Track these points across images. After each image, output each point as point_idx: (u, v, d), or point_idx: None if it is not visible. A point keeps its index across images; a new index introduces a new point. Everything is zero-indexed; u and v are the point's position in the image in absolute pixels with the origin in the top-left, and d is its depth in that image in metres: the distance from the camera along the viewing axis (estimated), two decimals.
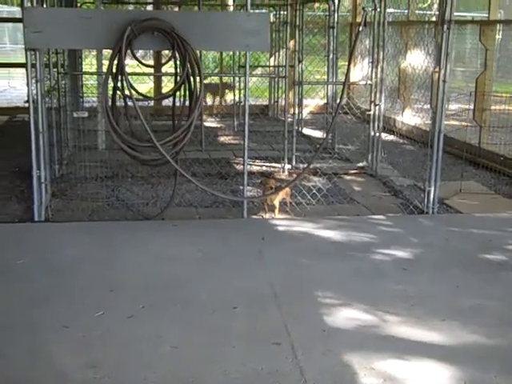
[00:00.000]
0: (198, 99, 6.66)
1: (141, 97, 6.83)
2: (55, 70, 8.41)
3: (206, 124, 14.08)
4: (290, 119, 14.10)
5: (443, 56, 7.01)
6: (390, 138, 12.23)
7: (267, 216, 7.08)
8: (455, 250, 6.05)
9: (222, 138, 12.47)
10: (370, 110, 9.27)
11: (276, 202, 7.04)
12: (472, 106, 10.22)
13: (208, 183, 8.61)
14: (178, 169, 6.72)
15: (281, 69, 13.54)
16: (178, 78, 6.68)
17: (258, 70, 15.63)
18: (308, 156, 10.41)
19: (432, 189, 7.32)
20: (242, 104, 13.60)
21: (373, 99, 9.21)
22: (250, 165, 9.85)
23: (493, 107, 10.47)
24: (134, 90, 6.64)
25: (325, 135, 11.45)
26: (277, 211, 7.07)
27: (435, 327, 4.38)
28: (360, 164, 9.61)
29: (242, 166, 9.81)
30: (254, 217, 7.19)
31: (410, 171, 9.17)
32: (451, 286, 5.16)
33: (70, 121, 9.04)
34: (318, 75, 14.38)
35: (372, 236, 6.38)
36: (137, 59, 6.61)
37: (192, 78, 6.66)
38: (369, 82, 9.35)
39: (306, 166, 9.19)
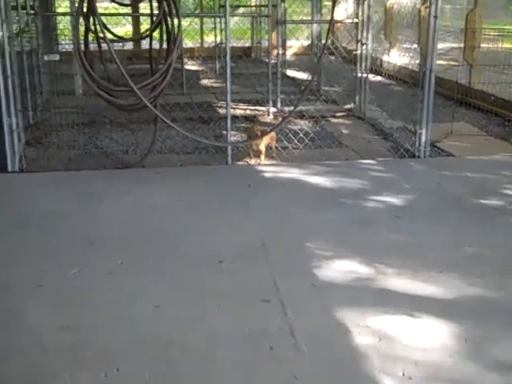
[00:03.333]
0: (175, 40, 6.27)
1: (115, 38, 6.41)
2: (24, 11, 7.91)
3: (187, 67, 13.63)
4: (273, 61, 13.77)
5: None
6: (378, 78, 11.90)
7: (253, 162, 6.77)
8: (448, 195, 5.80)
9: (204, 82, 12.05)
10: (356, 50, 8.88)
11: (262, 148, 6.72)
12: (462, 45, 9.90)
13: (190, 129, 8.26)
14: (158, 114, 6.38)
15: (263, 8, 13.02)
16: (155, 18, 6.28)
17: (240, 10, 15.06)
18: (293, 98, 10.04)
19: (423, 131, 7.03)
20: (223, 46, 13.17)
21: (359, 38, 8.81)
22: (234, 108, 9.49)
23: (483, 45, 10.12)
24: (108, 31, 6.24)
25: (310, 77, 11.17)
26: (263, 156, 6.76)
27: (432, 279, 4.14)
28: (347, 106, 9.28)
29: (224, 110, 9.39)
30: (239, 163, 6.88)
31: (399, 113, 8.84)
32: (447, 233, 4.91)
33: (44, 65, 8.58)
34: (301, 15, 13.89)
35: (362, 182, 6.11)
36: None
37: (169, 18, 6.27)
38: (355, 20, 8.94)
39: (291, 108, 8.95)
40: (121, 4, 6.42)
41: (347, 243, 4.71)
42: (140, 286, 4.05)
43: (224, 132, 8.05)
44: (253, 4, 14.61)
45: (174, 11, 6.21)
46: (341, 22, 11.25)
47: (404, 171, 6.53)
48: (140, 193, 5.76)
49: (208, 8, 16.21)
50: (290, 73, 12.60)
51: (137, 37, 6.45)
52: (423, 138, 7.04)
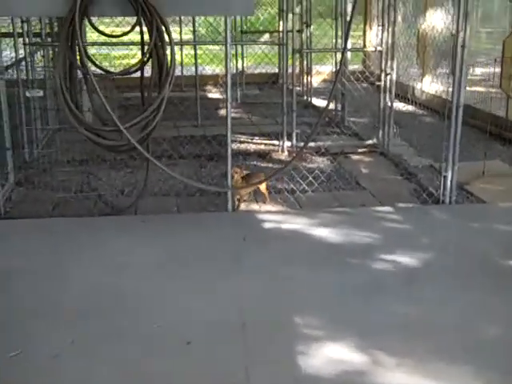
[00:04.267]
0: (168, 74, 5.64)
1: (101, 72, 5.82)
2: (21, 39, 7.40)
3: (210, 95, 13.08)
4: (299, 88, 13.09)
5: (462, 17, 5.89)
6: (409, 108, 11.11)
7: (241, 208, 6.09)
8: (474, 254, 5.01)
9: (222, 111, 11.41)
10: (380, 80, 8.14)
11: (242, 193, 6.07)
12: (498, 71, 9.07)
13: (196, 166, 7.64)
14: (148, 156, 5.73)
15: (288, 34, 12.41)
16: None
17: (266, 36, 14.49)
18: (318, 132, 9.35)
19: (449, 174, 6.25)
20: (244, 73, 12.59)
21: (383, 68, 8.07)
22: (248, 143, 8.87)
23: None
24: (92, 62, 5.65)
25: (336, 106, 10.47)
26: (241, 204, 6.12)
27: (441, 375, 3.37)
28: (370, 141, 8.51)
29: (239, 144, 8.85)
30: (242, 207, 6.19)
31: (428, 148, 8.05)
32: (465, 307, 4.14)
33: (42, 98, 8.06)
34: (329, 40, 13.20)
35: (375, 235, 5.36)
36: (94, 28, 5.59)
37: (161, 49, 5.65)
38: (378, 48, 8.21)
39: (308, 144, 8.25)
40: (108, 36, 5.82)
41: (344, 319, 3.97)
42: (86, 376, 3.37)
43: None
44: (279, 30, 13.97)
45: (167, 40, 5.57)
46: (363, 50, 10.51)
47: (424, 222, 5.75)
48: (119, 246, 5.11)
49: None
50: (316, 102, 11.90)
51: (125, 70, 5.77)
52: (449, 182, 6.26)
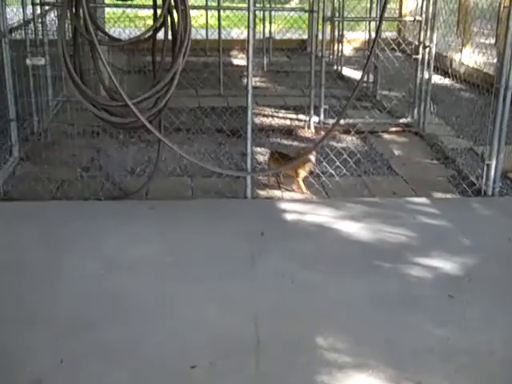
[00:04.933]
0: (182, 43, 5.06)
1: (107, 38, 5.25)
2: None
3: (235, 61, 12.43)
4: (329, 57, 12.37)
5: None
6: (446, 82, 10.36)
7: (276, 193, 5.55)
8: None
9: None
10: (417, 53, 7.45)
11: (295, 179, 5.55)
12: None
13: (216, 142, 7.07)
14: (158, 135, 5.18)
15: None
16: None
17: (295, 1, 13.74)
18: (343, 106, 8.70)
19: (493, 162, 5.62)
20: (272, 38, 11.91)
21: (421, 40, 7.37)
22: (272, 117, 8.27)
23: None
24: (99, 28, 5.10)
25: (368, 78, 9.78)
26: (298, 187, 5.60)
27: None
28: (404, 120, 7.85)
29: (263, 119, 8.25)
30: (262, 193, 5.63)
31: (468, 128, 7.39)
32: None
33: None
34: (363, 6, 12.41)
35: (409, 233, 4.78)
36: None
37: (176, 13, 5.06)
38: (417, 17, 7.50)
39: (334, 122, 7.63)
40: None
41: (372, 341, 3.43)
42: None
43: (256, 149, 6.84)
44: None
45: (182, 2, 4.97)
46: (400, 19, 9.76)
47: (465, 218, 5.15)
48: (122, 238, 4.60)
49: None
50: (347, 72, 11.18)
51: (134, 38, 5.19)
52: (492, 172, 5.63)
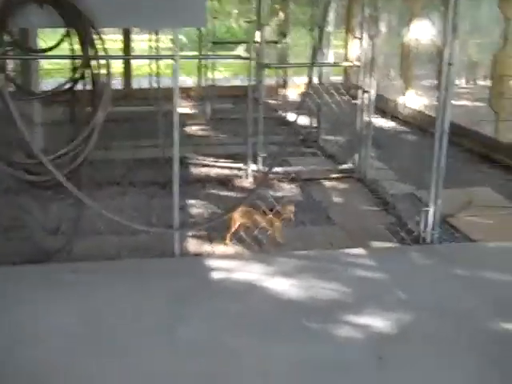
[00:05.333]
0: (101, 94, 4.80)
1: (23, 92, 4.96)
2: None
3: (179, 110, 12.19)
4: (273, 102, 12.25)
5: (449, 31, 5.07)
6: (391, 125, 10.28)
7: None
8: (461, 316, 4.16)
9: (189, 129, 10.55)
10: (355, 98, 7.31)
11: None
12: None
13: (149, 195, 6.75)
14: (76, 193, 4.87)
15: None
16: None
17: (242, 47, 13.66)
18: (289, 152, 8.49)
19: (431, 209, 5.42)
20: (215, 85, 11.73)
21: (360, 85, 7.24)
22: (211, 167, 8.01)
23: None
24: (10, 80, 4.81)
25: (311, 123, 9.65)
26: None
27: None
28: (345, 166, 7.66)
29: (201, 169, 7.98)
30: (192, 249, 5.33)
31: (411, 172, 7.21)
32: None
33: None
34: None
35: (342, 288, 4.51)
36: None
37: (97, 66, 4.82)
38: (356, 62, 7.39)
39: (276, 169, 7.41)
40: (34, 51, 4.97)
41: None
42: None
43: (191, 201, 6.57)
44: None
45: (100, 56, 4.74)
46: (338, 65, 9.65)
47: (402, 269, 4.90)
48: (33, 308, 4.22)
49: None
50: (292, 117, 11.01)
51: (51, 90, 4.91)
52: (431, 218, 5.43)
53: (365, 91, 7.14)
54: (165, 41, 11.30)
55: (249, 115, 7.36)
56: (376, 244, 5.44)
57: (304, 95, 10.90)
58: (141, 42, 15.59)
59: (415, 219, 5.68)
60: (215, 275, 4.74)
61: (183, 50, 19.10)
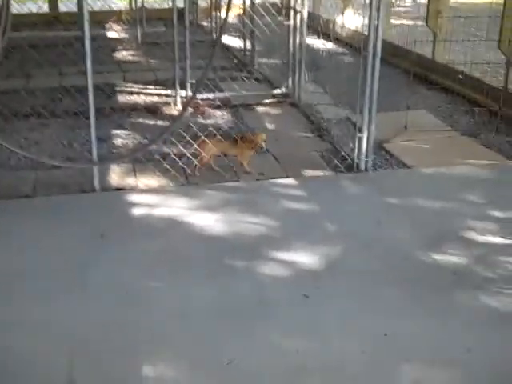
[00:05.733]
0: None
1: None
2: None
3: (110, 34, 11.62)
4: (207, 24, 11.75)
5: None
6: (329, 46, 9.94)
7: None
8: (390, 245, 4.01)
9: (119, 54, 10.03)
10: (288, 19, 6.95)
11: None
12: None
13: (73, 127, 6.36)
14: None
15: None
16: None
17: None
18: (221, 77, 8.14)
19: (364, 135, 5.21)
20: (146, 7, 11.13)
21: (292, 4, 6.86)
22: (138, 94, 7.61)
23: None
24: None
25: (245, 46, 9.26)
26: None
27: None
28: (278, 90, 7.37)
29: (128, 96, 7.58)
30: (114, 182, 5.03)
31: (346, 95, 6.97)
32: (377, 333, 3.14)
33: None
34: None
35: (271, 222, 4.31)
36: None
37: None
38: None
39: (209, 95, 7.08)
40: None
41: (210, 364, 2.93)
42: None
43: (115, 131, 6.22)
44: None
45: None
46: None
47: (333, 199, 4.72)
48: None
49: None
50: (228, 40, 10.59)
51: None
52: (364, 145, 5.22)
53: (296, 11, 6.77)
54: None
55: (175, 39, 6.90)
56: (309, 172, 5.23)
57: (239, 17, 10.54)
58: None
59: (350, 146, 5.48)
60: (137, 211, 4.47)
61: None
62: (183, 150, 5.20)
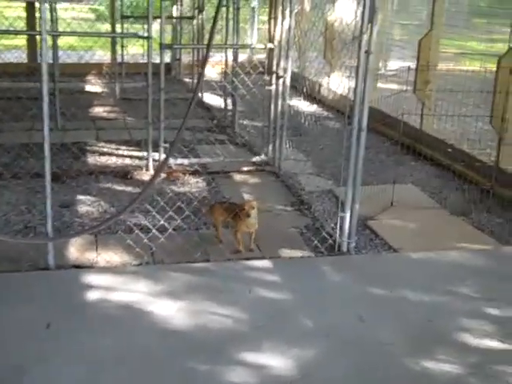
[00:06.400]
0: None
1: None
2: None
3: (89, 88, 11.27)
4: (189, 80, 11.42)
5: (367, 15, 4.40)
6: (313, 109, 9.65)
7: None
8: (374, 349, 3.54)
9: (96, 110, 9.64)
10: (270, 85, 6.60)
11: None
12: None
13: (32, 190, 5.90)
14: None
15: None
16: None
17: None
18: (201, 139, 7.77)
19: (347, 215, 4.79)
20: (125, 62, 10.80)
21: (274, 70, 6.53)
22: (110, 155, 7.19)
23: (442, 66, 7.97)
24: None
25: (226, 106, 8.93)
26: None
27: None
28: (258, 158, 6.98)
29: (99, 158, 7.14)
30: (72, 258, 4.55)
31: (331, 165, 6.62)
32: None
33: None
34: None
35: (239, 314, 3.84)
36: None
37: None
38: (269, 45, 6.68)
39: (183, 160, 6.68)
40: None
41: None
42: None
43: (80, 197, 5.78)
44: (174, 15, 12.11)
45: None
46: (248, 47, 8.92)
47: (310, 287, 4.25)
48: None
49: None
50: (209, 99, 10.26)
51: None
52: (347, 225, 4.80)
53: (279, 77, 6.42)
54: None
55: (150, 98, 6.51)
56: (286, 252, 4.79)
57: (224, 74, 10.25)
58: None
59: (331, 224, 5.07)
60: (92, 295, 3.99)
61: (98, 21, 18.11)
62: (147, 224, 4.75)
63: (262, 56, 11.46)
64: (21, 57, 12.26)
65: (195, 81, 10.73)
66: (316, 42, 10.22)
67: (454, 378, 3.26)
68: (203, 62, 4.75)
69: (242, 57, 11.83)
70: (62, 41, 12.73)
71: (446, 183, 6.54)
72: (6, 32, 6.79)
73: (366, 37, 4.40)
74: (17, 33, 7.80)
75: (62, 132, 7.93)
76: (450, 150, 6.76)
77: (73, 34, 8.73)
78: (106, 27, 14.64)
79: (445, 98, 7.65)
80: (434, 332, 3.71)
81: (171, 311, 3.81)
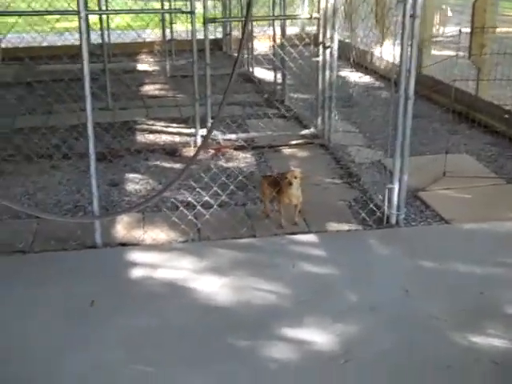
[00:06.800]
0: None
1: None
2: None
3: (140, 67, 11.31)
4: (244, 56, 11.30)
5: None
6: (365, 80, 9.45)
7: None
8: (423, 326, 3.44)
9: (146, 88, 9.67)
10: (317, 55, 6.47)
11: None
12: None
13: (81, 170, 5.94)
14: None
15: None
16: None
17: None
18: (251, 114, 7.70)
19: (395, 186, 4.66)
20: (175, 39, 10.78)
21: (320, 40, 6.38)
22: (159, 133, 7.20)
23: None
24: None
25: (276, 79, 8.81)
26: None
27: None
28: (306, 131, 6.87)
29: (148, 136, 7.15)
30: (119, 236, 4.57)
31: (382, 136, 6.44)
32: None
33: None
34: None
35: (283, 290, 3.79)
36: None
37: None
38: (315, 14, 6.53)
39: (231, 136, 6.64)
40: None
41: None
42: None
43: (128, 175, 5.81)
44: None
45: None
46: (294, 17, 8.75)
47: (357, 261, 4.16)
48: None
49: None
50: (259, 73, 10.15)
51: None
52: (395, 197, 4.68)
53: (326, 47, 6.29)
54: None
55: (195, 74, 6.46)
56: (333, 226, 4.70)
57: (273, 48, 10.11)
58: None
59: (380, 196, 4.94)
60: (137, 272, 4.01)
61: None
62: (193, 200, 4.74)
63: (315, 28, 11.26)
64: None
65: (245, 56, 10.63)
66: (365, 10, 10.00)
67: (501, 353, 3.14)
68: (242, 35, 4.63)
69: (295, 30, 11.75)
70: (117, 22, 12.86)
71: (502, 151, 6.32)
72: (42, 13, 6.76)
73: (410, 0, 4.23)
74: (51, 13, 7.77)
75: (112, 111, 7.97)
76: (507, 116, 6.50)
77: (113, 12, 8.66)
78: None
79: (502, 62, 7.35)
80: (485, 305, 3.58)
81: (215, 287, 3.79)
